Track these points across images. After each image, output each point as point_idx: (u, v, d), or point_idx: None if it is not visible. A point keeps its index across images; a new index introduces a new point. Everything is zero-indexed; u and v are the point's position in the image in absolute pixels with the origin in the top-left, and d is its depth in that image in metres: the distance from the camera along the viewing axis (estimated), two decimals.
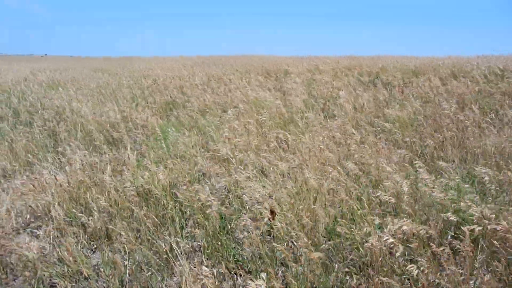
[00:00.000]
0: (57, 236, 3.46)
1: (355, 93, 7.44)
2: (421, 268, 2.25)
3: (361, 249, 2.75)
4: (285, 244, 2.83)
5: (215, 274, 2.47)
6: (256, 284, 1.86)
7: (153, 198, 3.71)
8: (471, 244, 2.32)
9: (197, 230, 3.22)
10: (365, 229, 2.86)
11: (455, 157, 4.51)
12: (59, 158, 5.17)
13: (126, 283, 2.78)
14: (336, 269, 2.63)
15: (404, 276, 2.45)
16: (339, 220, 3.01)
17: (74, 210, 3.62)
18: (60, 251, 3.15)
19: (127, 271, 2.86)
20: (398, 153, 4.45)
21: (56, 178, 4.24)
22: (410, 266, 2.23)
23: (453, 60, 11.58)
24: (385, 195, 2.92)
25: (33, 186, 4.25)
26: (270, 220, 2.86)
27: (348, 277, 2.58)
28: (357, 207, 3.15)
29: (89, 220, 3.39)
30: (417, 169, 3.63)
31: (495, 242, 2.42)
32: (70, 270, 2.97)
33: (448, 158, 4.51)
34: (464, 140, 4.84)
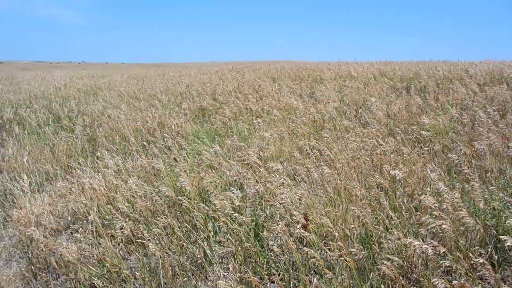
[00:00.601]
0: (95, 238, 3.59)
1: (388, 99, 7.32)
2: (461, 280, 2.19)
3: (397, 258, 2.71)
4: (318, 252, 2.82)
5: (246, 280, 2.49)
6: None
7: (185, 204, 3.79)
8: None
9: (229, 236, 3.27)
10: (400, 239, 2.82)
11: (493, 167, 4.36)
12: (97, 163, 5.37)
13: (162, 287, 2.86)
14: (370, 278, 2.60)
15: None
16: (375, 228, 2.98)
17: (111, 213, 3.74)
18: (99, 253, 3.28)
19: (162, 275, 2.94)
20: (433, 162, 4.35)
21: (93, 183, 4.41)
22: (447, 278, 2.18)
23: (491, 64, 11.18)
24: (425, 201, 2.86)
25: (73, 189, 4.44)
26: (304, 228, 2.86)
27: (383, 286, 2.55)
28: (392, 216, 3.11)
29: (124, 224, 3.50)
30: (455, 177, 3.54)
31: None
32: (108, 272, 3.08)
33: (486, 168, 4.36)
34: (504, 149, 4.66)
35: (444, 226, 2.53)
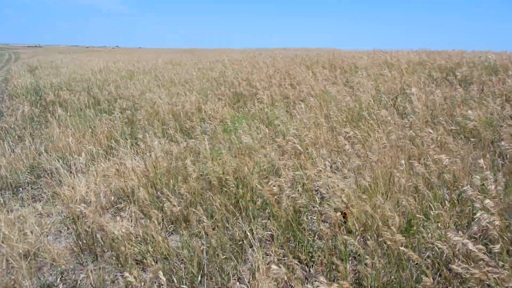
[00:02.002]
0: (139, 218, 3.75)
1: (427, 89, 7.14)
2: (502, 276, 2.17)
3: (436, 248, 2.70)
4: (357, 238, 2.85)
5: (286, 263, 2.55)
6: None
7: (226, 187, 3.88)
8: None
9: (269, 220, 3.34)
10: (438, 230, 2.80)
11: None
12: (137, 144, 5.55)
13: (204, 266, 2.96)
14: (409, 266, 2.60)
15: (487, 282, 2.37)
16: (416, 217, 2.97)
17: (156, 194, 3.88)
18: (143, 232, 3.43)
19: (204, 255, 3.04)
20: (475, 154, 4.25)
21: (134, 164, 4.57)
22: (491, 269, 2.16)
23: None
24: (469, 192, 2.82)
25: (117, 170, 4.63)
26: (343, 215, 2.89)
27: (422, 276, 2.55)
28: (432, 206, 3.09)
29: (169, 205, 3.63)
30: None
31: None
32: (152, 250, 3.22)
33: None
34: None
35: (496, 222, 2.49)
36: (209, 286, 2.78)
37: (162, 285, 2.54)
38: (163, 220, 3.67)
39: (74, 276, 3.09)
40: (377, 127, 4.92)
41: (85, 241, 3.50)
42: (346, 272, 2.55)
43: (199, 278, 2.84)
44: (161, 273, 2.51)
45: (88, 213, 3.41)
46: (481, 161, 3.58)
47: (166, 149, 4.90)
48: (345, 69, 10.32)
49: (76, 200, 4.22)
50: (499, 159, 4.34)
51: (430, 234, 2.83)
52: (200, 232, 3.34)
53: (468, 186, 3.05)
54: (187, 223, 3.52)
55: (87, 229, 3.55)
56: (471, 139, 4.80)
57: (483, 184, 3.15)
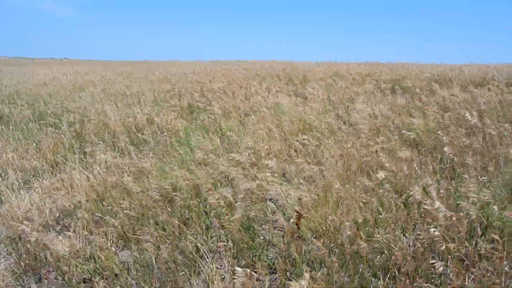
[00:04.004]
0: (86, 234, 3.58)
1: (374, 99, 7.46)
2: (448, 271, 2.28)
3: (386, 252, 2.79)
4: (310, 246, 2.89)
5: (248, 274, 2.53)
6: (300, 285, 1.92)
7: (177, 201, 3.81)
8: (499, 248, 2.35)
9: (221, 231, 3.31)
10: (387, 234, 2.90)
11: (476, 165, 4.50)
12: (85, 159, 5.33)
13: (155, 281, 2.87)
14: (360, 271, 2.67)
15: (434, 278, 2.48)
16: (367, 222, 3.06)
17: (102, 209, 3.73)
18: (91, 249, 3.28)
19: (155, 270, 2.95)
20: (419, 160, 4.47)
21: (86, 178, 4.38)
22: (437, 264, 2.26)
23: (474, 67, 11.48)
24: (412, 196, 2.95)
25: (62, 185, 4.41)
26: (296, 223, 2.92)
27: (373, 279, 2.63)
28: (379, 211, 3.20)
29: (116, 221, 3.50)
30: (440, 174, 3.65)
31: None
32: (100, 267, 3.08)
33: (469, 166, 4.51)
34: (486, 148, 4.82)
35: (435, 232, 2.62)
36: None
37: None
38: (112, 236, 3.53)
39: None
40: (326, 136, 5.05)
41: (27, 262, 3.29)
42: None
43: None
44: None
45: (30, 232, 3.21)
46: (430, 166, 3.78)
47: (116, 163, 4.74)
48: (298, 80, 10.56)
49: (18, 218, 3.96)
50: (442, 164, 4.59)
51: (381, 238, 2.92)
52: (151, 246, 3.24)
53: (415, 190, 3.20)
54: (136, 239, 3.41)
55: (30, 247, 3.34)
56: (416, 146, 5.05)
57: (425, 189, 3.32)
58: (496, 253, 2.36)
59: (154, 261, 3.02)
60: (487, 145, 4.91)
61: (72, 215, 3.98)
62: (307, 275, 2.02)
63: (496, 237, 2.44)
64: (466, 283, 2.34)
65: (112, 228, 3.50)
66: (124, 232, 3.50)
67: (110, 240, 3.49)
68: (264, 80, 10.76)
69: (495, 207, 2.71)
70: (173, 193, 3.84)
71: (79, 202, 3.98)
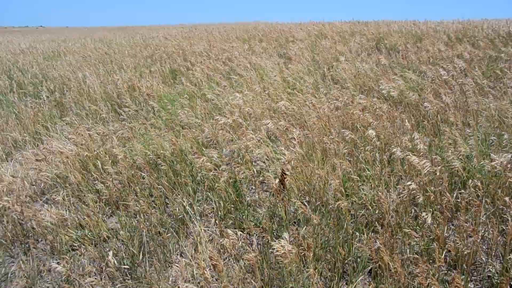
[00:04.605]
0: (73, 203, 3.57)
1: (359, 58, 7.40)
2: (429, 222, 2.35)
3: (370, 207, 2.85)
4: (296, 204, 2.93)
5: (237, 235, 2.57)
6: (281, 245, 1.95)
7: (163, 165, 3.80)
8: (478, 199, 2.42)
9: (209, 193, 3.33)
10: (372, 189, 2.96)
11: (458, 121, 4.56)
12: (67, 128, 5.23)
13: (144, 244, 2.90)
14: (345, 226, 2.73)
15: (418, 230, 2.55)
16: (351, 178, 3.11)
17: (87, 177, 3.71)
18: (78, 216, 3.28)
19: (144, 233, 2.98)
20: (402, 117, 4.50)
21: (63, 148, 4.32)
22: (423, 215, 2.32)
23: (461, 24, 11.40)
24: (395, 154, 2.99)
25: (45, 156, 4.34)
26: (282, 183, 2.94)
27: (357, 233, 2.70)
28: (365, 168, 3.24)
29: (104, 187, 3.49)
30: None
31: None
32: (90, 234, 3.10)
33: (451, 122, 4.57)
34: (467, 104, 4.87)
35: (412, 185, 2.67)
36: (151, 263, 2.74)
37: (102, 267, 2.47)
38: (100, 202, 3.54)
39: (3, 269, 2.90)
40: (309, 96, 5.02)
41: (14, 232, 3.28)
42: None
43: (140, 256, 2.79)
44: (97, 256, 2.43)
45: (14, 203, 3.18)
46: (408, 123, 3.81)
47: (98, 131, 4.67)
48: (282, 41, 10.37)
49: (2, 190, 3.92)
50: (424, 121, 4.63)
51: (365, 194, 2.97)
52: (139, 211, 3.26)
53: (397, 148, 3.24)
54: (125, 204, 3.42)
55: (15, 219, 3.33)
56: (399, 103, 5.06)
57: (411, 144, 3.36)
58: (475, 201, 2.43)
59: (142, 226, 3.04)
60: (468, 100, 4.96)
61: (57, 185, 3.95)
62: (286, 235, 2.06)
63: (478, 183, 2.51)
64: (446, 233, 2.42)
65: (97, 196, 3.50)
66: (112, 199, 3.50)
67: (98, 207, 3.49)
68: (247, 41, 10.54)
69: (474, 159, 2.76)
70: (158, 158, 3.83)
71: (64, 172, 3.94)
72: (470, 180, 2.73)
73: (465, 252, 2.23)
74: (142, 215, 3.18)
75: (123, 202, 3.40)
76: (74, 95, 6.46)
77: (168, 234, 2.98)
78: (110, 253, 2.35)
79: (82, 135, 4.45)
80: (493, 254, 2.42)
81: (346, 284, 2.44)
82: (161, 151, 3.86)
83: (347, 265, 2.51)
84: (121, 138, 4.54)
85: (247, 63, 7.14)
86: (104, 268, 2.70)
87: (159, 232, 3.02)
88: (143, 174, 3.66)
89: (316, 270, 2.50)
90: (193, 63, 7.55)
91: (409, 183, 2.64)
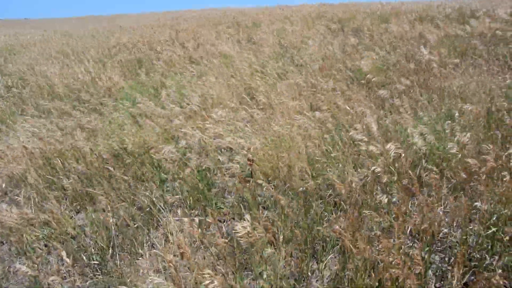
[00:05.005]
0: (38, 202, 3.46)
1: (325, 40, 7.43)
2: (393, 199, 2.41)
3: (336, 188, 2.89)
4: (264, 189, 2.94)
5: (199, 222, 2.56)
6: (242, 226, 1.96)
7: (129, 158, 3.73)
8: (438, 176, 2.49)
9: (176, 183, 3.30)
10: (337, 170, 3.01)
11: (423, 99, 4.67)
12: (26, 125, 5.05)
13: (113, 238, 2.86)
14: (314, 207, 2.77)
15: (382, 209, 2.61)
16: (317, 160, 3.14)
17: (51, 173, 3.60)
18: (41, 214, 3.18)
19: (113, 227, 2.93)
20: (369, 97, 4.57)
21: (25, 146, 4.17)
22: (381, 196, 2.38)
23: (421, 4, 11.58)
24: (357, 135, 3.03)
25: (5, 154, 4.18)
26: (249, 168, 2.94)
27: (326, 213, 2.74)
28: (329, 150, 3.28)
29: (68, 183, 3.40)
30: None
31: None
32: (56, 232, 3.02)
33: (417, 99, 4.68)
34: (430, 82, 4.99)
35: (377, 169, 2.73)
36: (121, 257, 2.70)
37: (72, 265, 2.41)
38: (65, 200, 3.45)
39: None
40: (277, 80, 5.02)
41: None
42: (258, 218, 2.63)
43: (110, 251, 2.74)
44: (64, 253, 2.37)
45: None
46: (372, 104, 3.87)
47: (60, 126, 4.52)
48: (248, 26, 10.28)
49: None
50: (391, 100, 4.72)
51: (331, 174, 3.01)
52: (107, 206, 3.20)
53: (360, 128, 3.29)
54: (91, 200, 3.35)
55: None
56: (364, 84, 5.13)
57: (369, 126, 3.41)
58: (436, 177, 2.50)
59: (111, 220, 2.99)
60: (435, 79, 5.08)
61: (20, 184, 3.82)
62: (248, 216, 2.07)
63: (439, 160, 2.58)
64: (409, 209, 2.49)
65: (62, 193, 3.41)
66: (78, 195, 3.42)
67: (64, 204, 3.41)
68: (214, 28, 10.40)
69: (432, 137, 2.84)
70: (124, 151, 3.76)
71: (25, 170, 3.81)
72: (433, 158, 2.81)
73: (425, 225, 2.30)
74: (110, 209, 3.12)
75: (90, 197, 3.32)
76: (33, 90, 6.22)
77: (136, 226, 2.94)
78: (64, 253, 2.29)
79: (43, 130, 4.31)
80: (454, 225, 2.51)
81: (317, 263, 2.48)
82: (124, 145, 3.78)
83: (317, 245, 2.55)
84: (85, 131, 4.42)
85: (214, 50, 7.05)
86: (72, 265, 2.64)
87: (128, 225, 2.98)
88: (109, 167, 3.58)
89: (286, 252, 2.54)
90: (159, 52, 7.39)
91: (374, 167, 2.69)
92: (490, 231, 2.23)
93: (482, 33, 6.83)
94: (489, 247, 2.26)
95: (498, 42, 6.27)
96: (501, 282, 1.75)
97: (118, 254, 2.74)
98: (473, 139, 3.07)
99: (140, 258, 2.70)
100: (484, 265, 2.17)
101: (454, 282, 1.95)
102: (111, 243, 2.81)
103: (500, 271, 2.01)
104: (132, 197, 3.29)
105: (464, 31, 6.87)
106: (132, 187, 3.38)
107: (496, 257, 2.18)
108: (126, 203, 3.19)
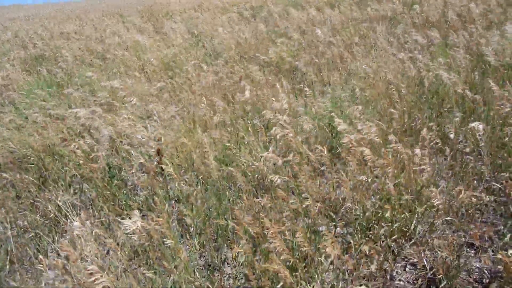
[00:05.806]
0: None
1: (237, 28, 7.43)
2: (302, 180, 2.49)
3: (248, 173, 2.92)
4: (177, 182, 2.87)
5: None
6: (132, 222, 1.89)
7: (31, 162, 3.44)
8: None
9: (85, 184, 3.11)
10: (248, 155, 3.04)
11: (330, 80, 4.89)
12: None
13: (12, 251, 2.62)
14: (228, 195, 2.77)
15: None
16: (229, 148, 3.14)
17: None
18: None
19: (11, 240, 2.68)
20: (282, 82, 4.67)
21: None
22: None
23: None
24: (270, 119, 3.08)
25: None
26: (158, 162, 2.86)
27: (239, 200, 2.75)
28: (243, 135, 3.30)
29: None
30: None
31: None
32: None
33: (325, 81, 4.89)
34: (337, 64, 5.24)
35: (290, 134, 2.78)
36: (20, 272, 2.48)
37: None
38: None
39: None
40: (189, 70, 4.93)
41: None
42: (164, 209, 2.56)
43: (8, 266, 2.51)
44: None
45: None
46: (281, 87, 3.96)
47: None
48: (159, 16, 9.94)
49: None
50: (301, 85, 4.86)
51: (244, 162, 3.03)
52: (5, 217, 2.91)
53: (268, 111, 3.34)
54: None
55: None
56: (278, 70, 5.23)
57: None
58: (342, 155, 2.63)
59: (9, 232, 2.73)
60: (341, 61, 5.33)
61: None
62: (136, 211, 2.01)
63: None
64: (320, 187, 2.59)
65: None
66: None
67: None
68: (122, 18, 9.90)
69: (333, 114, 2.97)
70: (24, 156, 3.45)
71: None
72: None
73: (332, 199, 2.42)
74: (7, 220, 2.85)
75: None
76: None
77: (36, 236, 2.72)
78: None
79: None
80: (357, 200, 2.67)
81: (231, 249, 2.48)
82: (25, 150, 3.47)
83: (230, 232, 2.56)
84: None
85: (122, 42, 6.70)
86: None
87: (31, 236, 2.74)
88: (4, 174, 3.26)
89: (199, 243, 2.52)
90: (61, 46, 6.85)
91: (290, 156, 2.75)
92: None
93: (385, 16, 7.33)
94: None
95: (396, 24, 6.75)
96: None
97: (21, 267, 2.52)
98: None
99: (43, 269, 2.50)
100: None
101: None
102: (9, 258, 2.57)
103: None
104: (33, 204, 3.04)
105: (364, 15, 7.29)
106: (34, 194, 3.12)
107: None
108: (27, 212, 2.94)
